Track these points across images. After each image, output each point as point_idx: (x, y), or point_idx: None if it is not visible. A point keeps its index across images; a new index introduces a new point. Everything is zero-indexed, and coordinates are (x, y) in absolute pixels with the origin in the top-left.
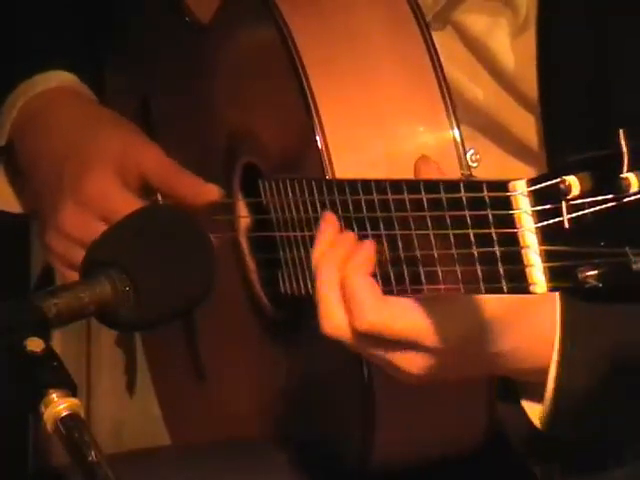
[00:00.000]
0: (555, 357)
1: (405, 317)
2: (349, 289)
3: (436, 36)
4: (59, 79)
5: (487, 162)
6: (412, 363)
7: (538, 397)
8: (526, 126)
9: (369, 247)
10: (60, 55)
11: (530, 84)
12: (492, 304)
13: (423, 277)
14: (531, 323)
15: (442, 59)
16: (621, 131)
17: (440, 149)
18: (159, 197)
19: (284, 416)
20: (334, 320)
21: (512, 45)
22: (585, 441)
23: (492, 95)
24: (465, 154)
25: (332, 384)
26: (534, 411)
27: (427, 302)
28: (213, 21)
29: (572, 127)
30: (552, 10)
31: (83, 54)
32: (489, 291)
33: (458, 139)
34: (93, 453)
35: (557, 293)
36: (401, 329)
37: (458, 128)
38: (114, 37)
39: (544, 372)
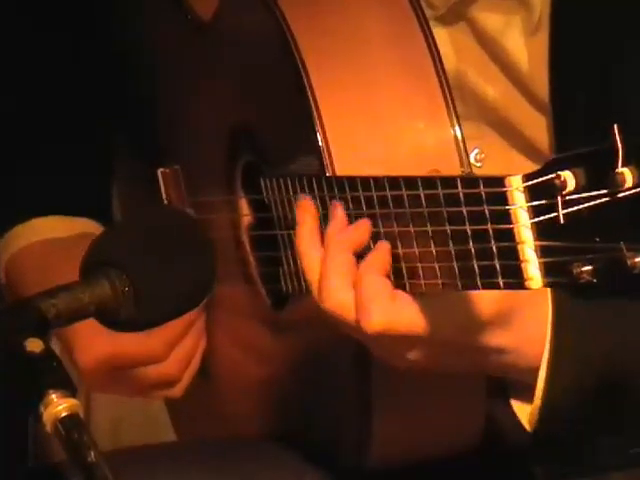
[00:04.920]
0: (545, 357)
1: (405, 314)
2: (362, 287)
3: (449, 31)
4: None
5: (495, 158)
6: (408, 349)
7: (528, 398)
8: (536, 125)
9: (385, 247)
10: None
11: (542, 84)
12: (485, 301)
13: (421, 273)
14: (524, 323)
15: (454, 54)
16: (615, 126)
17: (440, 147)
18: (163, 197)
19: (284, 414)
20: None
21: (526, 44)
22: (574, 442)
23: (503, 93)
24: (466, 152)
25: (331, 381)
26: (523, 411)
27: (424, 298)
28: (214, 18)
29: (581, 128)
30: (565, 12)
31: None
32: (485, 286)
33: (459, 137)
34: (92, 454)
35: (549, 294)
36: (404, 327)
37: (459, 126)
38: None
39: (535, 372)
